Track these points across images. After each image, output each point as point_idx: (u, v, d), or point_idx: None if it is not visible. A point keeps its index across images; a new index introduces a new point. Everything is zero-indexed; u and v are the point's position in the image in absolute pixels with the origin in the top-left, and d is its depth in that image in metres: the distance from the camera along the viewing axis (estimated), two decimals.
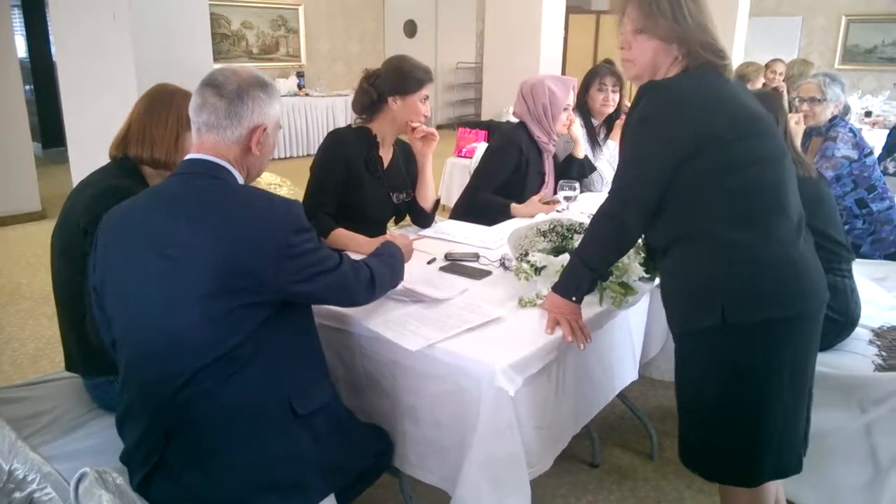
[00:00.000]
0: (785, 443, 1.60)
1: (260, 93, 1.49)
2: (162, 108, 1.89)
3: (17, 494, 1.02)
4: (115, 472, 0.97)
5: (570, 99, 2.99)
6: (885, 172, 4.02)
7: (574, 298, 1.71)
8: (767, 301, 1.52)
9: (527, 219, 2.60)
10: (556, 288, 1.74)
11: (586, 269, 1.69)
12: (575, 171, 3.14)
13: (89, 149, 3.43)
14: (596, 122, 3.37)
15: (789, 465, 1.64)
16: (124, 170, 1.88)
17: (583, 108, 3.35)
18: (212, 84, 1.47)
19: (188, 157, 1.49)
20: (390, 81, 2.41)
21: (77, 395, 1.87)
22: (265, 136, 1.52)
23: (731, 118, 1.57)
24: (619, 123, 3.34)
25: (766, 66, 5.80)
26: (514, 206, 2.85)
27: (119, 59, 2.99)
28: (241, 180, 1.50)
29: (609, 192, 1.66)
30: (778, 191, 1.58)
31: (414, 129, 2.47)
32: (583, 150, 3.19)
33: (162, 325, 1.37)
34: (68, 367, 1.90)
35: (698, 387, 1.61)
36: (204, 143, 1.48)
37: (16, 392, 1.89)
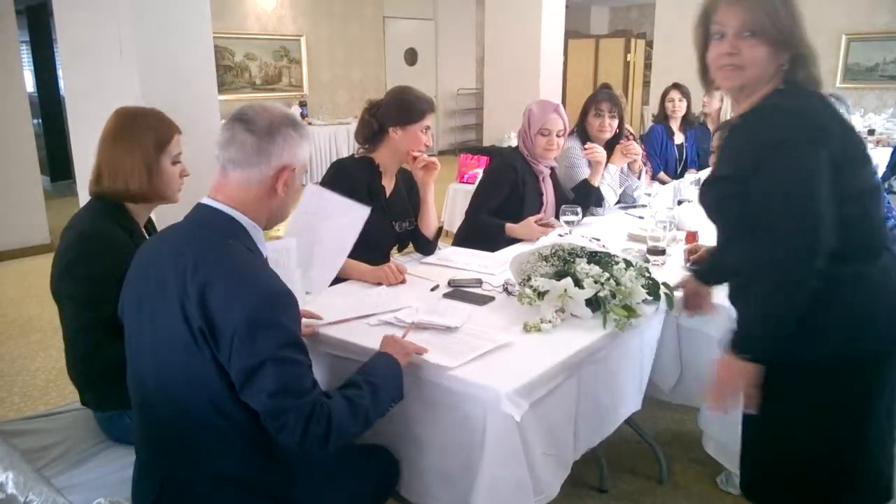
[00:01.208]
0: (869, 482, 1.56)
1: (291, 131, 1.42)
2: (125, 134, 1.76)
3: None
4: (127, 502, 0.99)
5: (554, 124, 2.93)
6: (889, 191, 4.03)
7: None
8: (877, 332, 1.48)
9: (528, 243, 2.63)
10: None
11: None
12: (593, 198, 3.18)
13: None
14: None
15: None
16: (105, 209, 1.78)
17: (582, 133, 3.39)
18: (242, 119, 1.40)
19: (205, 201, 1.43)
20: (392, 112, 2.45)
21: (87, 426, 1.89)
22: (292, 178, 1.45)
23: (855, 144, 1.50)
24: (619, 148, 3.37)
25: None
26: (508, 225, 2.88)
27: (126, 94, 3.05)
28: (256, 233, 1.44)
29: (772, 233, 1.42)
30: (883, 220, 1.54)
31: (415, 158, 2.50)
32: (599, 179, 3.20)
33: (154, 374, 1.39)
34: (83, 402, 1.89)
35: (793, 418, 1.55)
36: (228, 182, 1.41)
37: (27, 424, 1.91)
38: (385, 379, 1.51)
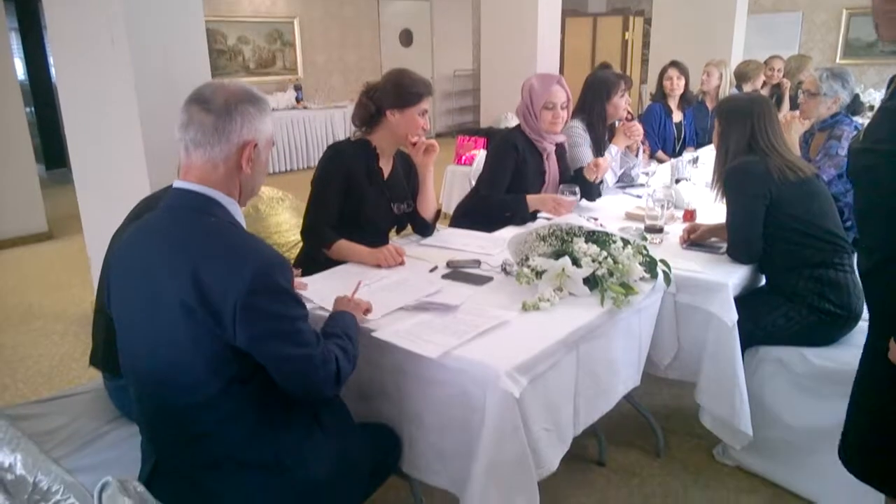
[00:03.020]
0: None
1: (249, 107, 1.42)
2: None
3: None
4: (136, 480, 1.01)
5: (557, 96, 2.93)
6: None
7: None
8: None
9: (524, 227, 2.65)
10: None
11: None
12: (591, 192, 3.16)
13: (92, 169, 3.49)
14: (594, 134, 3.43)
15: None
16: None
17: (600, 114, 3.40)
18: (198, 100, 1.40)
19: (176, 184, 1.43)
20: (389, 95, 2.44)
21: (94, 408, 1.92)
22: (256, 153, 1.44)
23: None
24: (621, 128, 3.38)
25: (766, 63, 5.84)
26: (529, 197, 2.91)
27: (118, 79, 3.04)
28: (233, 208, 1.45)
29: None
30: None
31: (414, 143, 2.49)
32: (601, 178, 3.16)
33: (149, 358, 1.41)
34: (91, 362, 1.92)
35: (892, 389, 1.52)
36: (192, 163, 1.41)
37: (33, 409, 1.93)
38: (355, 332, 1.65)
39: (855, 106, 3.12)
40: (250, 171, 1.45)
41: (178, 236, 1.38)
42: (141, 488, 0.96)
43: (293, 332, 1.38)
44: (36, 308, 4.22)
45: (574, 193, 2.83)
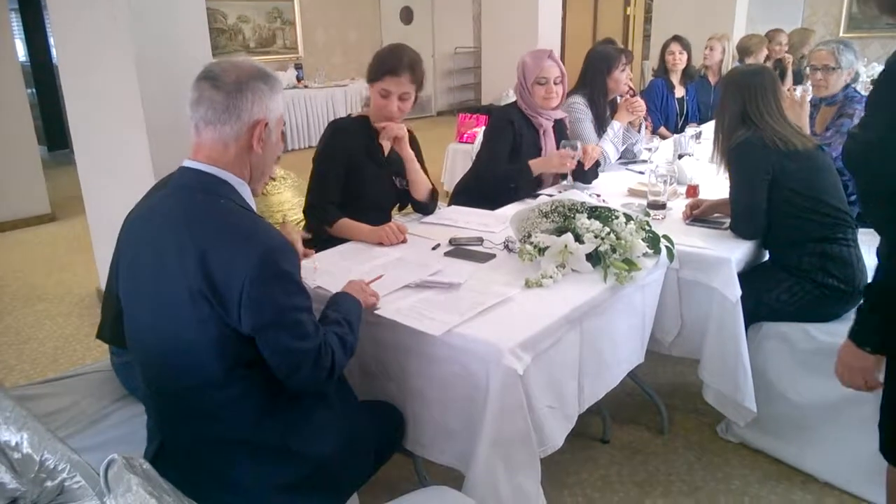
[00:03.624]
0: None
1: (261, 84, 1.40)
2: None
3: (49, 483, 1.06)
4: (142, 458, 1.01)
5: (549, 71, 2.89)
6: None
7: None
8: None
9: (526, 203, 2.63)
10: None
11: None
12: (573, 172, 3.06)
13: (95, 150, 3.48)
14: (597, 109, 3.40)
15: None
16: None
17: (601, 89, 3.37)
18: (209, 77, 1.39)
19: (186, 164, 1.42)
20: (369, 67, 2.40)
21: (99, 387, 1.93)
22: (267, 133, 1.43)
23: None
24: (623, 104, 3.36)
25: (769, 37, 5.78)
26: (532, 162, 2.89)
27: (119, 59, 3.02)
28: (244, 189, 1.44)
29: None
30: None
31: (382, 129, 2.42)
32: (597, 160, 3.09)
33: (155, 334, 1.41)
34: (99, 335, 1.93)
35: None
36: (203, 142, 1.40)
37: (38, 389, 1.94)
38: (356, 318, 1.61)
39: (854, 80, 3.11)
40: (261, 151, 1.44)
41: (187, 218, 1.36)
42: (147, 465, 0.97)
43: (295, 322, 1.37)
44: (40, 289, 4.24)
45: (575, 148, 2.83)
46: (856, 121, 3.00)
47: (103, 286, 3.71)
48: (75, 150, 3.59)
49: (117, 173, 3.31)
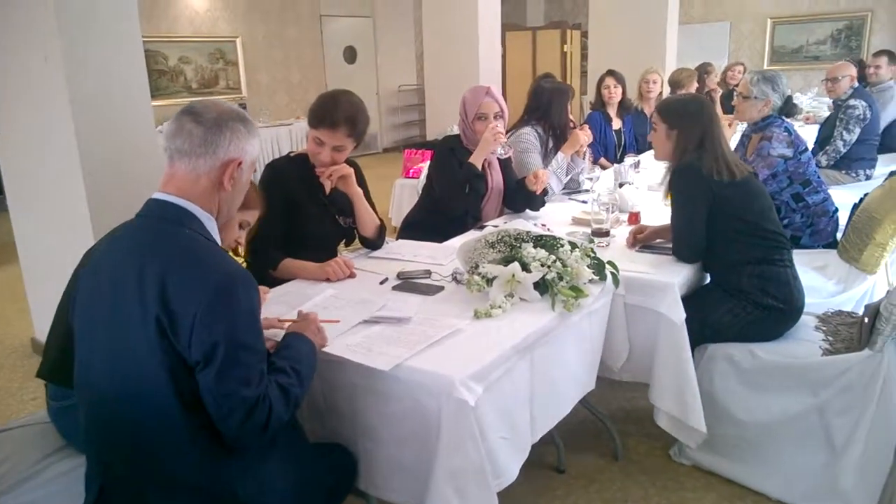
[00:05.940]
0: None
1: (240, 125, 1.44)
2: None
3: None
4: None
5: (489, 106, 2.94)
6: (818, 165, 4.19)
7: None
8: None
9: (473, 233, 2.64)
10: None
11: None
12: (520, 199, 3.15)
13: (28, 194, 3.36)
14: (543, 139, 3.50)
15: None
16: None
17: (561, 120, 3.51)
18: (191, 112, 1.42)
19: (154, 195, 1.42)
20: (309, 110, 2.40)
21: (32, 441, 1.82)
22: (239, 172, 1.45)
23: None
24: (574, 133, 3.43)
25: (707, 70, 6.20)
26: (472, 158, 2.92)
27: (53, 100, 2.94)
28: (210, 224, 1.44)
29: None
30: None
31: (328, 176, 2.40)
32: (541, 189, 3.11)
33: (106, 367, 1.36)
34: (39, 374, 1.81)
35: None
36: (175, 173, 1.41)
37: None
38: (308, 367, 1.52)
39: (788, 108, 3.21)
40: (230, 189, 1.45)
41: (150, 245, 1.36)
42: None
43: (240, 363, 1.30)
44: None
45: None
46: (774, 143, 3.11)
47: (39, 335, 3.52)
48: (7, 195, 3.46)
49: (52, 217, 3.19)
